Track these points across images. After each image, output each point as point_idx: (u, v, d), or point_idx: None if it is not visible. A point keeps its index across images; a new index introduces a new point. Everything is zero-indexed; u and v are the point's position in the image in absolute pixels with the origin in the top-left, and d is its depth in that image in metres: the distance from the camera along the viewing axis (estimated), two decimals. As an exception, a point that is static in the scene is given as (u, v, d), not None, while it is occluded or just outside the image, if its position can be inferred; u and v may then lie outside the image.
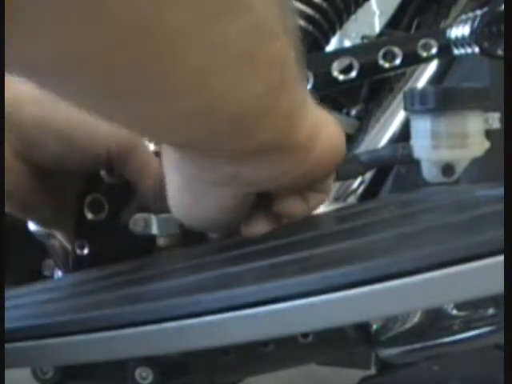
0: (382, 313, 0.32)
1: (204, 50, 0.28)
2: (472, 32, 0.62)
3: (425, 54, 0.66)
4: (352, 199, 0.69)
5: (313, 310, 0.29)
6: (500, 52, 0.62)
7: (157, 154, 0.51)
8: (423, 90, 0.53)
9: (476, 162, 0.54)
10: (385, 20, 0.85)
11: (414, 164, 0.55)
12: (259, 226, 0.44)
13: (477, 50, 0.63)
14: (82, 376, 0.62)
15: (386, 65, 0.66)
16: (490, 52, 0.62)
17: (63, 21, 0.24)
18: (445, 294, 0.28)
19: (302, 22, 0.63)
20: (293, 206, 0.43)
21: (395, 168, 0.69)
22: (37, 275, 0.60)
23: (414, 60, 0.67)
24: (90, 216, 0.51)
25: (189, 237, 0.51)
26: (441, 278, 0.27)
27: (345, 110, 0.80)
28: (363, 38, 0.82)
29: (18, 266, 0.59)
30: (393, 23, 0.83)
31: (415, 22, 0.81)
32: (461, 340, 0.56)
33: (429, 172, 0.54)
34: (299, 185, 0.42)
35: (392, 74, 0.69)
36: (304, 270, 0.31)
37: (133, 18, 0.25)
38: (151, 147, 0.52)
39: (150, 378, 0.59)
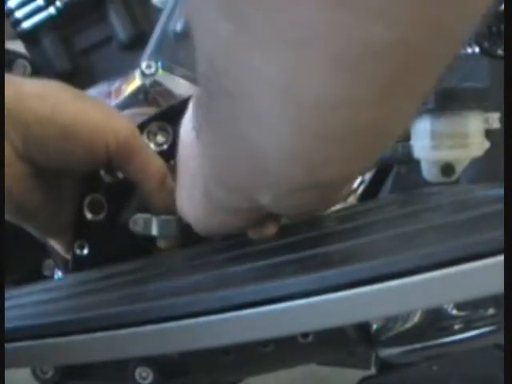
0: (382, 313, 0.32)
1: None
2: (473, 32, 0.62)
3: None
4: (352, 199, 0.69)
5: (313, 310, 0.29)
6: (500, 52, 0.62)
7: (160, 153, 0.51)
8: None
9: (476, 162, 0.54)
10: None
11: (414, 164, 0.55)
12: (268, 229, 0.43)
13: (477, 49, 0.62)
14: (82, 376, 0.62)
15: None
16: (490, 52, 0.62)
17: None
18: (445, 294, 0.28)
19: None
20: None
21: (395, 168, 0.69)
22: (37, 275, 0.60)
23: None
24: (89, 216, 0.51)
25: (189, 239, 0.51)
26: (441, 278, 0.27)
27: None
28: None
29: (17, 266, 0.59)
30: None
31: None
32: (461, 340, 0.56)
33: (429, 172, 0.54)
34: None
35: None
36: (304, 270, 0.31)
37: None
38: (151, 147, 0.52)
39: (150, 378, 0.59)
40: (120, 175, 0.51)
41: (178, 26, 0.63)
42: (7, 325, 0.36)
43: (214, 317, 0.31)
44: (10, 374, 0.35)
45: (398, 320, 0.58)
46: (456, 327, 0.56)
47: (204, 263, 0.43)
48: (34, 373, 0.62)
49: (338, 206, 0.53)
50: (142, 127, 0.52)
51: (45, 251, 0.57)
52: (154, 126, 0.52)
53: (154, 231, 0.51)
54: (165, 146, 0.52)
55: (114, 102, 0.63)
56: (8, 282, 0.55)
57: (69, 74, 0.69)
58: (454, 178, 0.53)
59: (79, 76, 0.69)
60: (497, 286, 0.26)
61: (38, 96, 0.47)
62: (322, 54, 0.25)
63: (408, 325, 0.58)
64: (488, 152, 0.53)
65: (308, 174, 0.32)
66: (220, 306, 0.31)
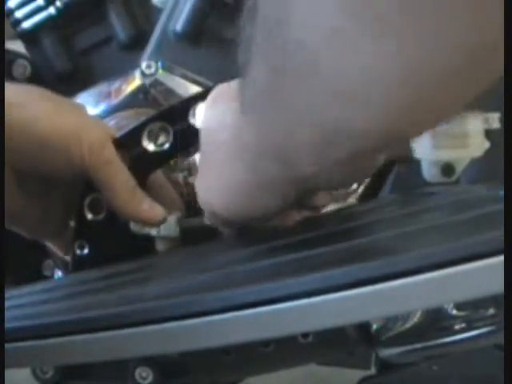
0: (382, 313, 0.32)
1: None
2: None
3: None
4: (352, 199, 0.68)
5: (313, 310, 0.29)
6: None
7: (161, 153, 0.51)
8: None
9: (476, 162, 0.54)
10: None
11: (414, 164, 0.55)
12: (289, 218, 0.45)
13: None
14: (82, 376, 0.62)
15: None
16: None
17: None
18: (445, 294, 0.28)
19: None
20: (323, 200, 0.45)
21: (395, 168, 0.69)
22: (37, 275, 0.60)
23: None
24: (89, 216, 0.51)
25: (188, 239, 0.51)
26: (441, 278, 0.27)
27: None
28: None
29: (17, 266, 0.59)
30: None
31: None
32: (461, 340, 0.56)
33: (429, 172, 0.54)
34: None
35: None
36: (305, 270, 0.31)
37: None
38: (152, 147, 0.52)
39: (150, 378, 0.59)
40: None
41: (178, 26, 0.63)
42: (7, 325, 0.36)
43: (215, 317, 0.31)
44: (10, 374, 0.35)
45: (398, 320, 0.58)
46: (456, 327, 0.56)
47: (204, 263, 0.43)
48: (34, 373, 0.62)
49: (338, 206, 0.53)
50: (142, 127, 0.52)
51: (45, 251, 0.57)
52: (154, 126, 0.52)
53: (154, 232, 0.51)
54: (165, 146, 0.52)
55: (114, 101, 0.63)
56: (8, 282, 0.55)
57: (69, 74, 0.69)
58: (454, 178, 0.53)
59: (79, 76, 0.69)
60: (497, 286, 0.26)
61: (19, 105, 0.47)
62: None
63: (408, 325, 0.58)
64: (488, 152, 0.53)
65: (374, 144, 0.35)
66: (221, 306, 0.31)
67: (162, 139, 0.52)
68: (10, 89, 0.48)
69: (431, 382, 0.61)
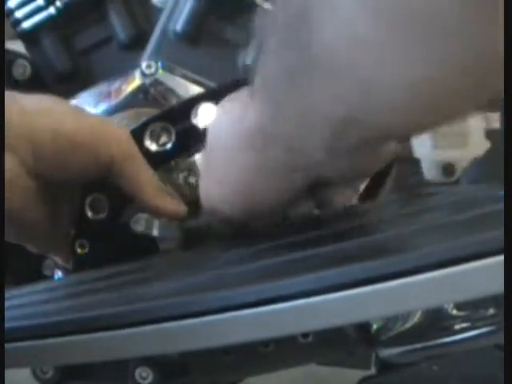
0: (382, 313, 0.32)
1: None
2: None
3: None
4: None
5: (312, 310, 0.29)
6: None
7: (163, 153, 0.51)
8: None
9: (476, 162, 0.54)
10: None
11: (414, 164, 0.55)
12: (301, 208, 0.46)
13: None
14: (82, 376, 0.62)
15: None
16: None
17: None
18: (445, 294, 0.28)
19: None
20: (338, 196, 0.46)
21: (395, 168, 0.69)
22: (37, 275, 0.60)
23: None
24: (90, 215, 0.51)
25: (189, 240, 0.51)
26: (441, 278, 0.27)
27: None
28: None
29: (18, 266, 0.59)
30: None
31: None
32: (461, 340, 0.56)
33: (429, 172, 0.54)
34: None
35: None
36: (304, 270, 0.31)
37: None
38: (154, 147, 0.52)
39: (150, 378, 0.59)
40: None
41: (178, 26, 0.63)
42: (7, 325, 0.36)
43: (214, 317, 0.31)
44: (10, 374, 0.35)
45: (398, 320, 0.58)
46: (456, 327, 0.56)
47: (204, 263, 0.43)
48: (34, 373, 0.62)
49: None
50: (144, 127, 0.52)
51: (45, 251, 0.57)
52: (156, 126, 0.52)
53: (155, 232, 0.51)
54: (168, 146, 0.52)
55: (114, 101, 0.63)
56: (8, 281, 0.55)
57: (69, 74, 0.69)
58: (454, 177, 0.53)
59: (79, 76, 0.69)
60: (497, 286, 0.26)
61: (41, 111, 0.47)
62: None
63: (408, 325, 0.58)
64: (488, 152, 0.53)
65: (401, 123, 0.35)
66: (220, 306, 0.31)
67: (164, 139, 0.52)
68: (25, 98, 0.48)
69: (431, 382, 0.61)
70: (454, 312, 0.57)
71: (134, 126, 0.53)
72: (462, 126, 0.52)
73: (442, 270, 0.27)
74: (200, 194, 0.47)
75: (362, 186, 0.70)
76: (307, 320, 0.30)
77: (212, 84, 0.61)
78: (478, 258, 0.27)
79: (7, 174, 0.45)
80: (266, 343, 0.57)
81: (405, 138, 0.44)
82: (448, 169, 0.53)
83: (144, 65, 0.62)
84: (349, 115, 0.35)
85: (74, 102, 0.65)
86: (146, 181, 0.50)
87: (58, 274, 0.57)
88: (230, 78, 0.60)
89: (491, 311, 0.56)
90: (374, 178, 0.68)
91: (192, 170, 0.56)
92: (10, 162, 0.45)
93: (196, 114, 0.52)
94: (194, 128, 0.51)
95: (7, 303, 0.40)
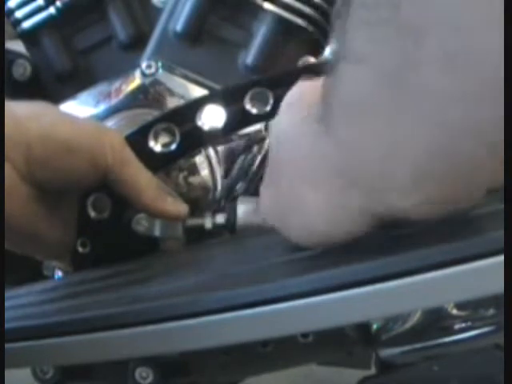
0: (382, 313, 0.32)
1: None
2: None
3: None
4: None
5: (313, 310, 0.29)
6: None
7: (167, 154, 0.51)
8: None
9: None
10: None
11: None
12: None
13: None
14: (82, 376, 0.62)
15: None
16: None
17: None
18: (445, 294, 0.28)
19: (302, 22, 0.63)
20: None
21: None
22: (37, 275, 0.60)
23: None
24: (93, 214, 0.51)
25: (191, 240, 0.51)
26: (441, 278, 0.27)
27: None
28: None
29: (18, 266, 0.59)
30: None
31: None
32: (461, 340, 0.56)
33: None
34: None
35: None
36: (304, 270, 0.31)
37: None
38: (158, 148, 0.52)
39: (150, 377, 0.59)
40: None
41: (178, 26, 0.63)
42: (7, 325, 0.36)
43: (214, 317, 0.31)
44: (10, 374, 0.35)
45: (398, 320, 0.58)
46: (456, 327, 0.56)
47: (204, 263, 0.43)
48: (34, 373, 0.62)
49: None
50: (148, 128, 0.52)
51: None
52: (160, 127, 0.52)
53: (157, 232, 0.51)
54: (172, 147, 0.52)
55: (114, 101, 0.63)
56: (9, 281, 0.55)
57: (69, 74, 0.69)
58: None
59: (79, 76, 0.69)
60: (497, 285, 0.26)
61: (34, 117, 0.47)
62: None
63: (408, 325, 0.58)
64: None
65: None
66: (220, 306, 0.31)
67: (168, 140, 0.52)
68: (16, 105, 0.48)
69: (431, 382, 0.61)
70: (454, 312, 0.57)
71: (132, 127, 0.53)
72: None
73: (442, 270, 0.27)
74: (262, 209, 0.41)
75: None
76: (307, 320, 0.30)
77: (212, 84, 0.61)
78: (478, 258, 0.27)
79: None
80: (265, 343, 0.57)
81: None
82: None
83: (144, 65, 0.62)
84: (445, 152, 0.29)
85: (73, 102, 0.65)
86: (145, 184, 0.49)
87: (58, 274, 0.57)
88: (230, 79, 0.60)
89: (491, 311, 0.56)
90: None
91: (192, 169, 0.56)
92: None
93: (200, 116, 0.52)
94: (199, 129, 0.51)
95: (7, 303, 0.40)
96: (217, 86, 0.60)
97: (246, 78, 0.60)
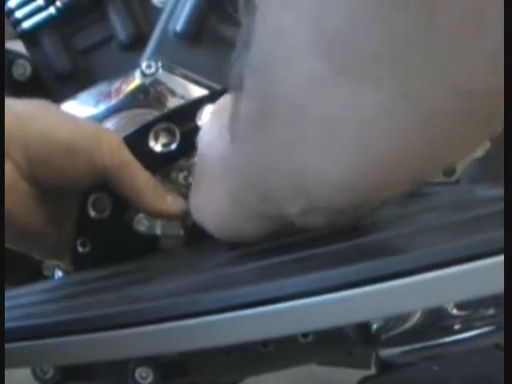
0: (382, 313, 0.32)
1: None
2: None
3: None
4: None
5: (313, 310, 0.29)
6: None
7: (167, 154, 0.51)
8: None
9: (477, 162, 0.54)
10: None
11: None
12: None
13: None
14: (82, 376, 0.62)
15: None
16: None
17: None
18: (445, 294, 0.28)
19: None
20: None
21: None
22: (37, 275, 0.60)
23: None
24: (93, 214, 0.51)
25: (192, 239, 0.51)
26: (441, 278, 0.27)
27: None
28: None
29: (18, 266, 0.59)
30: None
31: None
32: (461, 340, 0.56)
33: (429, 172, 0.54)
34: None
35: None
36: (304, 270, 0.31)
37: None
38: (158, 148, 0.52)
39: (150, 377, 0.59)
40: None
41: (178, 26, 0.63)
42: (7, 325, 0.36)
43: (214, 317, 0.31)
44: (10, 374, 0.35)
45: (398, 320, 0.58)
46: (456, 327, 0.56)
47: (204, 263, 0.43)
48: (34, 373, 0.62)
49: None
50: (148, 127, 0.52)
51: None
52: (160, 127, 0.52)
53: (158, 231, 0.51)
54: (172, 147, 0.52)
55: (114, 101, 0.63)
56: (9, 281, 0.55)
57: (69, 74, 0.69)
58: (454, 177, 0.53)
59: (79, 76, 0.69)
60: (497, 285, 0.26)
61: (35, 116, 0.47)
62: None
63: (408, 325, 0.58)
64: (488, 152, 0.53)
65: (351, 199, 0.33)
66: (220, 306, 0.31)
67: (168, 140, 0.52)
68: (17, 104, 0.48)
69: (431, 382, 0.61)
70: (454, 312, 0.57)
71: (132, 127, 0.53)
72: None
73: (442, 270, 0.27)
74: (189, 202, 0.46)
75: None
76: (307, 320, 0.30)
77: (212, 84, 0.61)
78: (478, 258, 0.27)
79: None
80: (265, 343, 0.57)
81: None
82: (448, 169, 0.53)
83: (144, 65, 0.62)
84: (316, 175, 0.32)
85: (73, 101, 0.65)
86: (143, 185, 0.50)
87: (58, 274, 0.57)
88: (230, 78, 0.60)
89: (491, 311, 0.56)
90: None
91: (192, 170, 0.56)
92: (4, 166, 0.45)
93: (200, 116, 0.52)
94: (199, 129, 0.51)
95: (7, 303, 0.40)
96: (217, 86, 0.60)
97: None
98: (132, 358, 0.58)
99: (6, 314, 0.37)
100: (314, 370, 1.04)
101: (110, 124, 0.62)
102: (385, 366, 0.63)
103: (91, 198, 0.51)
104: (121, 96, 0.63)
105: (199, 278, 0.37)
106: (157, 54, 0.63)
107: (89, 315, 0.36)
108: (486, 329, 0.56)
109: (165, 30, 0.64)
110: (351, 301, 0.29)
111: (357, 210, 0.37)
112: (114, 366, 0.61)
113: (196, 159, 0.45)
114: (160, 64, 0.62)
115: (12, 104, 0.47)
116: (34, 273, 0.60)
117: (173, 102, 0.60)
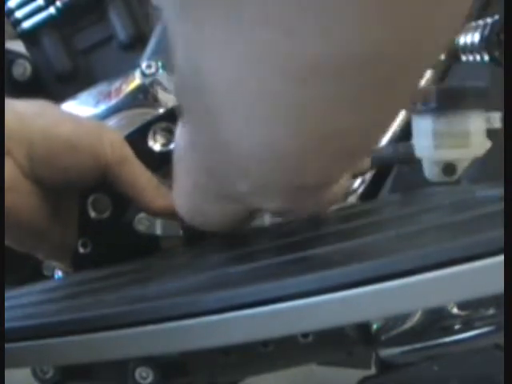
0: (382, 313, 0.32)
1: None
2: (483, 40, 0.61)
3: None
4: (352, 199, 0.69)
5: (313, 310, 0.29)
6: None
7: (166, 154, 0.51)
8: (425, 89, 0.53)
9: (477, 162, 0.54)
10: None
11: (416, 163, 0.55)
12: (258, 221, 0.45)
13: (486, 57, 0.62)
14: (82, 376, 0.62)
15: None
16: (501, 60, 0.61)
17: None
18: (445, 294, 0.28)
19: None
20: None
21: (395, 168, 0.69)
22: (37, 275, 0.60)
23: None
24: (93, 214, 0.51)
25: (192, 239, 0.51)
26: (441, 278, 0.27)
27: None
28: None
29: (18, 266, 0.59)
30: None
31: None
32: (461, 340, 0.56)
33: (430, 171, 0.54)
34: None
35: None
36: (304, 270, 0.31)
37: None
38: (157, 147, 0.52)
39: (150, 377, 0.59)
40: None
41: (178, 26, 0.63)
42: (7, 325, 0.36)
43: (214, 317, 0.31)
44: (10, 374, 0.35)
45: (398, 320, 0.58)
46: (456, 327, 0.56)
47: (204, 263, 0.43)
48: (34, 373, 0.62)
49: (338, 206, 0.53)
50: (147, 127, 0.52)
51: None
52: (160, 126, 0.52)
53: (159, 231, 0.51)
54: (171, 146, 0.52)
55: (114, 101, 0.63)
56: (9, 281, 0.55)
57: (69, 74, 0.69)
58: (455, 177, 0.53)
59: (79, 76, 0.69)
60: (497, 285, 0.26)
61: (36, 115, 0.47)
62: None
63: (408, 325, 0.58)
64: (489, 152, 0.53)
65: (285, 176, 0.33)
66: (220, 306, 0.31)
67: (167, 139, 0.52)
68: (18, 103, 0.48)
69: (431, 382, 0.61)
70: (454, 312, 0.57)
71: (132, 126, 0.53)
72: (463, 126, 0.52)
73: (442, 269, 0.27)
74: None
75: (362, 187, 0.70)
76: (307, 320, 0.30)
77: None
78: (478, 258, 0.27)
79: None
80: (265, 343, 0.57)
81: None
82: (448, 169, 0.53)
83: (144, 65, 0.62)
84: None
85: (74, 101, 0.65)
86: (144, 184, 0.50)
87: (58, 274, 0.57)
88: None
89: (491, 311, 0.56)
90: (374, 177, 0.68)
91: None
92: (5, 164, 0.45)
93: None
94: None
95: (7, 303, 0.40)
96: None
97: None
98: (132, 358, 0.58)
99: (6, 314, 0.37)
100: (314, 370, 1.04)
101: (110, 124, 0.62)
102: (385, 366, 0.63)
103: (91, 199, 0.51)
104: (121, 96, 0.63)
105: (199, 278, 0.37)
106: (157, 54, 0.63)
107: (89, 315, 0.36)
108: (485, 329, 0.56)
109: (165, 29, 0.64)
110: (351, 301, 0.29)
111: (311, 192, 0.36)
112: (114, 366, 0.61)
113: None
114: (160, 64, 0.62)
115: (12, 104, 0.47)
116: (34, 273, 0.60)
117: (172, 102, 0.60)
